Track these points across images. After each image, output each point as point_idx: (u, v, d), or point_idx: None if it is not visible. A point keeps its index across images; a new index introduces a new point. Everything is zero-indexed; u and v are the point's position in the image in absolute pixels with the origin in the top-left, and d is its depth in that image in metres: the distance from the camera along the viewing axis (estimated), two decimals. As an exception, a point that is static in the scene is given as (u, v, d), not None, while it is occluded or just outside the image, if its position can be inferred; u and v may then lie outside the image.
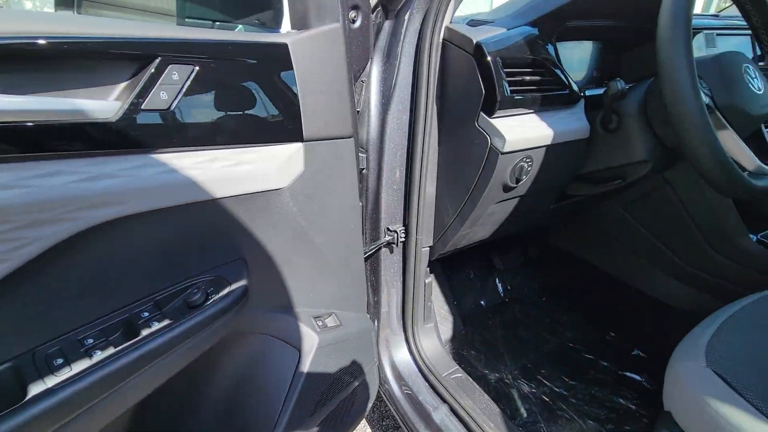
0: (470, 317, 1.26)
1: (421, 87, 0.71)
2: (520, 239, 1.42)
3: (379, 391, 0.96)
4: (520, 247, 1.40)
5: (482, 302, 1.32)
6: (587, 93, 0.80)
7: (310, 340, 0.59)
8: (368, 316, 0.80)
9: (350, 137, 0.58)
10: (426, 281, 0.93)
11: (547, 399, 0.99)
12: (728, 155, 0.57)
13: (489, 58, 0.64)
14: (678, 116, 0.57)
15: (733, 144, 0.62)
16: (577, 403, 0.97)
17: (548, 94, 0.70)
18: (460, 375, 0.91)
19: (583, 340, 1.17)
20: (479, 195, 0.71)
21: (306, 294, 0.61)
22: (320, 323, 0.62)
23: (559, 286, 1.37)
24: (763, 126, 0.67)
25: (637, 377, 1.04)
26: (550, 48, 0.74)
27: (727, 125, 0.62)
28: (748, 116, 0.61)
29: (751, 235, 0.92)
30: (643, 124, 0.73)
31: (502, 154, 0.65)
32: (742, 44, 1.10)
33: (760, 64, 0.75)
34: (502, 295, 1.35)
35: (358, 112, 0.79)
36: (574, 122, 0.74)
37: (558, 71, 0.73)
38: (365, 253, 0.79)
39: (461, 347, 1.15)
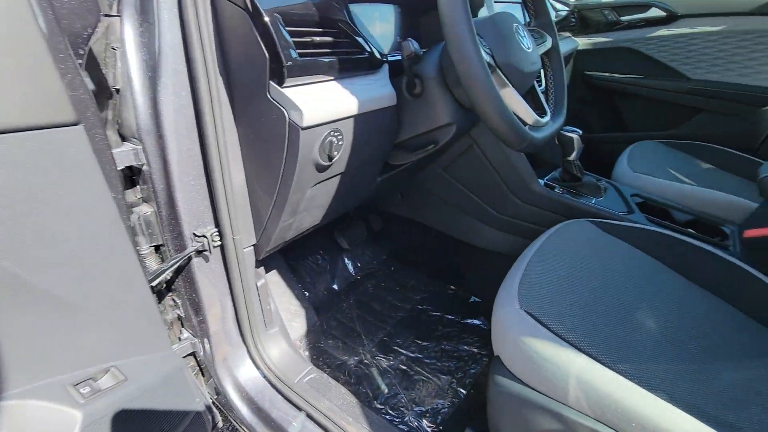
0: (324, 305, 1.20)
1: (195, 53, 0.56)
2: (361, 214, 1.41)
3: (229, 419, 0.82)
4: (362, 222, 1.39)
5: (335, 286, 1.27)
6: (390, 58, 0.77)
7: (67, 421, 0.42)
8: (178, 349, 0.64)
9: (74, 124, 0.41)
10: (258, 284, 0.81)
11: (404, 367, 1.00)
12: (511, 111, 0.60)
13: (266, 17, 0.53)
14: (465, 76, 0.57)
15: (514, 101, 0.66)
16: (431, 362, 1.02)
17: (345, 58, 0.63)
18: (314, 375, 0.84)
19: (429, 300, 1.24)
20: (291, 178, 0.62)
21: (52, 357, 0.43)
22: (86, 389, 0.44)
23: (404, 252, 1.41)
24: (535, 82, 0.75)
25: (477, 321, 1.15)
26: (345, 10, 0.67)
27: (508, 83, 0.66)
28: (522, 73, 0.66)
29: (540, 180, 1.07)
30: (442, 87, 0.74)
31: (304, 129, 0.56)
32: (514, 11, 1.25)
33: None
34: (353, 273, 1.33)
35: (117, 90, 0.59)
36: (379, 89, 0.70)
37: (354, 34, 0.67)
38: (161, 272, 0.62)
39: (317, 340, 1.08)
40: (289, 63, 0.54)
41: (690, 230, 0.96)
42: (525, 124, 0.67)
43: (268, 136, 0.60)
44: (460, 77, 0.58)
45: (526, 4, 0.80)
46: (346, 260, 1.33)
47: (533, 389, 0.60)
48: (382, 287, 1.29)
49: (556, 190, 1.05)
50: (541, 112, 0.72)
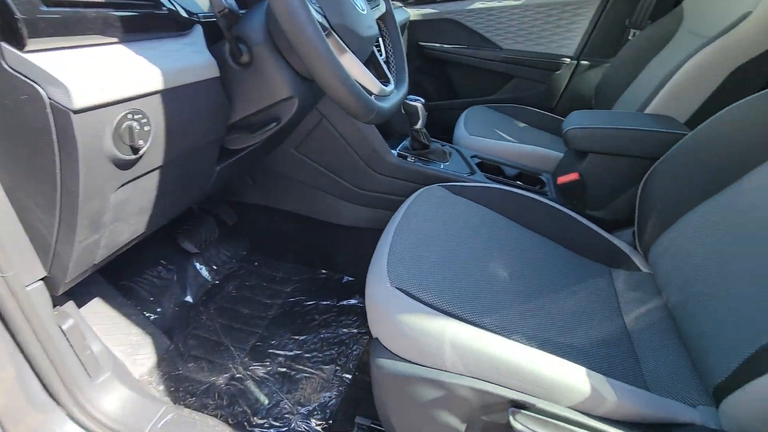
0: (178, 324, 1.01)
1: None
2: (208, 209, 1.22)
3: None
4: (211, 218, 1.21)
5: (188, 298, 1.08)
6: (205, 18, 0.63)
7: None
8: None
9: None
10: (64, 326, 0.61)
11: (284, 369, 0.92)
12: (355, 80, 0.54)
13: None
14: (296, 39, 0.49)
15: (357, 69, 0.61)
16: (311, 355, 0.96)
17: (133, 13, 0.48)
18: (172, 416, 0.69)
19: (302, 289, 1.16)
20: (74, 184, 0.45)
21: None
22: None
23: (266, 243, 1.29)
24: (375, 48, 0.71)
25: (353, 301, 1.13)
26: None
27: (347, 48, 0.60)
28: (360, 38, 0.62)
29: (393, 151, 1.08)
30: (274, 54, 0.64)
31: (77, 112, 0.40)
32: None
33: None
34: (209, 279, 1.15)
35: None
36: (192, 56, 0.56)
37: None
38: None
39: (173, 368, 0.90)
40: (28, 16, 0.36)
41: (518, 182, 1.10)
42: (370, 94, 0.63)
43: (20, 128, 0.41)
44: (291, 42, 0.50)
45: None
46: (198, 265, 1.14)
47: (414, 363, 0.59)
48: (246, 287, 1.15)
49: (408, 160, 1.07)
50: (384, 81, 0.69)
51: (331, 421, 0.80)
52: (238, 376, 0.90)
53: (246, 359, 0.94)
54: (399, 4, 1.66)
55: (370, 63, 0.71)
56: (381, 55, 0.91)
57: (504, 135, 1.30)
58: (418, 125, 1.06)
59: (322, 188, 1.12)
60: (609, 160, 0.91)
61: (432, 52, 1.74)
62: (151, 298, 1.01)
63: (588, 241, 0.86)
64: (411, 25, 1.70)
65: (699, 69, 0.94)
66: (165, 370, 0.89)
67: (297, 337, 1.00)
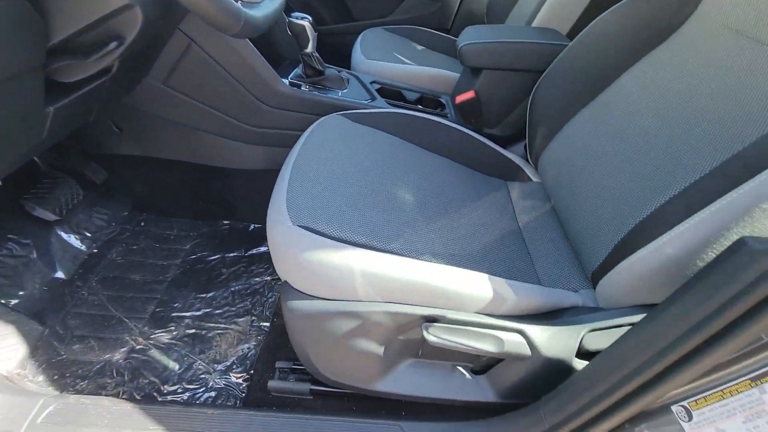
0: (50, 305, 0.85)
1: None
2: (66, 166, 1.00)
3: None
4: (69, 178, 1.00)
5: (59, 274, 0.91)
6: None
7: None
8: None
9: None
10: None
11: (193, 330, 0.85)
12: None
13: None
14: None
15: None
16: (223, 310, 0.90)
17: None
18: (53, 406, 0.59)
19: (203, 245, 1.06)
20: None
21: None
22: None
23: (151, 199, 1.12)
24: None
25: (263, 248, 1.07)
26: None
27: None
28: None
29: (284, 80, 0.96)
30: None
31: None
32: None
33: None
34: (83, 248, 0.98)
35: None
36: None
37: None
38: None
39: (53, 354, 0.78)
40: None
41: (419, 106, 1.08)
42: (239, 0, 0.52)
43: None
44: None
45: None
46: (64, 235, 0.96)
47: (326, 299, 0.57)
48: (134, 251, 1.01)
49: (302, 88, 0.97)
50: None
51: (252, 372, 0.78)
52: (139, 347, 0.80)
53: (146, 329, 0.84)
54: None
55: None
56: None
57: (402, 58, 1.25)
58: (309, 48, 0.95)
59: (206, 129, 0.98)
60: (501, 75, 0.92)
61: (318, -33, 1.55)
62: (7, 282, 0.83)
63: (486, 158, 0.89)
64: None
65: (576, -20, 0.96)
66: (42, 359, 0.76)
67: (204, 295, 0.92)
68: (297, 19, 0.92)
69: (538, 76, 0.86)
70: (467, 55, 0.91)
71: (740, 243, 0.32)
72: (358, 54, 1.23)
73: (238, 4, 0.51)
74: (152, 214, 1.12)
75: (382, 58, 1.20)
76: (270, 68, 0.90)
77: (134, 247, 1.02)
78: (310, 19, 0.93)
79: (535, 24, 1.03)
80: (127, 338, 0.82)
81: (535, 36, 0.91)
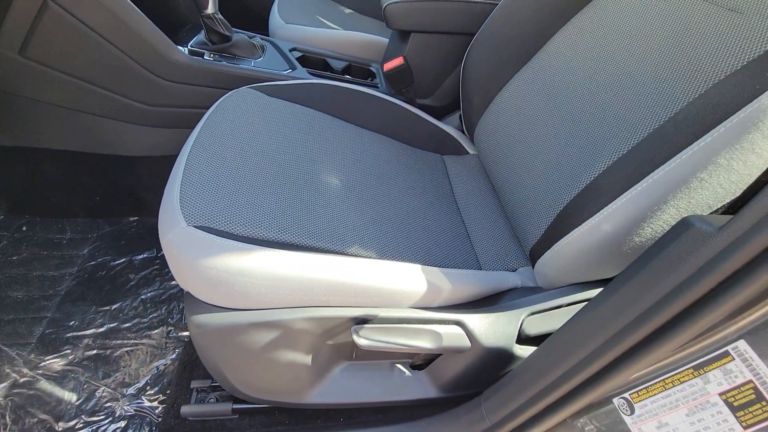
0: None
1: None
2: None
3: None
4: None
5: None
6: None
7: None
8: None
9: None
10: None
11: (94, 351, 0.72)
12: None
13: None
14: None
15: None
16: (132, 323, 0.77)
17: None
18: None
19: (104, 246, 0.90)
20: None
21: None
22: None
23: (35, 199, 0.94)
24: None
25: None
26: None
27: None
28: None
29: (181, 48, 0.81)
30: None
31: None
32: None
33: None
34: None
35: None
36: None
37: None
38: None
39: None
40: None
41: (346, 76, 0.98)
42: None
43: None
44: None
45: None
46: None
47: (238, 310, 0.49)
48: (14, 263, 0.84)
49: (206, 57, 0.83)
50: None
51: (169, 391, 0.68)
52: (23, 380, 0.67)
53: (32, 356, 0.70)
54: None
55: None
56: None
57: (327, 22, 1.12)
58: (209, 9, 0.81)
59: (92, 111, 0.81)
60: (431, 39, 0.85)
61: None
62: None
63: (420, 132, 0.82)
64: None
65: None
66: None
67: (107, 308, 0.79)
68: (191, -26, 0.77)
69: (470, 39, 0.79)
70: (393, 16, 0.82)
71: (685, 224, 0.28)
72: (276, 18, 1.08)
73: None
74: (37, 215, 0.93)
75: (304, 22, 1.07)
76: (160, 33, 0.75)
77: (14, 257, 0.84)
78: (208, -27, 0.78)
79: (465, -18, 0.95)
80: (8, 371, 0.68)
81: (464, -5, 0.84)
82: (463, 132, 0.86)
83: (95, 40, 0.72)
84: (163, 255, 0.91)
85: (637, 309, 0.30)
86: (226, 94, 0.71)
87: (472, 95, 0.78)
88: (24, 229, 0.90)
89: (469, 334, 0.50)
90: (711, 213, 0.39)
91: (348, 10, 1.31)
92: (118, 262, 0.87)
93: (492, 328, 0.51)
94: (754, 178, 0.36)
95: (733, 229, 0.25)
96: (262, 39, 0.96)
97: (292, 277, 0.46)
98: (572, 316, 0.38)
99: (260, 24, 1.16)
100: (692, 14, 0.49)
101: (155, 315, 0.79)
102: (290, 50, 0.96)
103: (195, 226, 0.47)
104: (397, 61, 0.84)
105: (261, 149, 0.59)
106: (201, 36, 0.88)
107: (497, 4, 0.76)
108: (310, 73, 0.91)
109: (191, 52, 0.83)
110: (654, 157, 0.39)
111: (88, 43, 0.72)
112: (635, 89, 0.50)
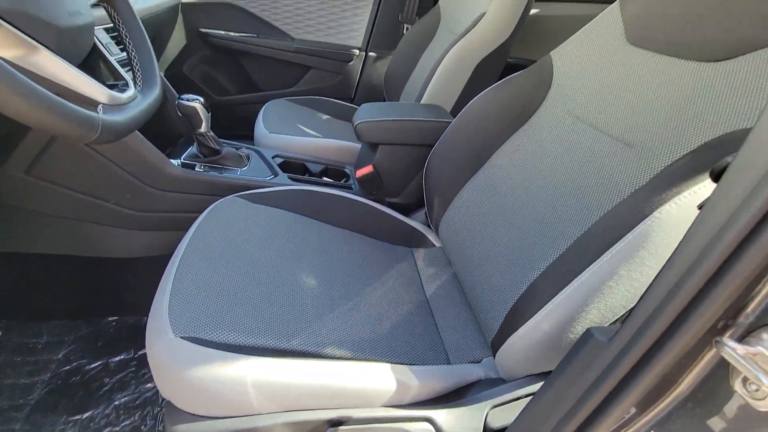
0: None
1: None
2: None
3: None
4: None
5: None
6: None
7: None
8: None
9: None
10: None
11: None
12: (54, 96, 0.40)
13: None
14: None
15: (61, 71, 0.46)
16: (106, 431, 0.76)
17: None
18: None
19: (81, 350, 0.91)
20: None
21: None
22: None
23: (15, 302, 0.95)
24: (103, 47, 0.55)
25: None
26: None
27: (38, 43, 0.44)
28: (59, 29, 0.46)
29: (175, 161, 0.91)
30: None
31: None
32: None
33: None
34: None
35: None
36: None
37: None
38: None
39: None
40: None
41: (324, 178, 1.10)
42: (95, 104, 0.49)
43: None
44: None
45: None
46: None
47: (219, 418, 0.51)
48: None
49: (197, 169, 0.93)
50: (121, 84, 0.55)
51: None
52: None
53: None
54: (164, -17, 1.41)
55: (96, 62, 0.54)
56: (112, 53, 0.73)
57: (306, 129, 1.27)
58: (202, 128, 0.93)
59: (86, 218, 0.88)
60: (396, 149, 0.98)
61: (218, 41, 1.56)
62: None
63: (390, 228, 0.91)
64: (185, 9, 1.47)
65: (454, 62, 1.09)
66: None
67: (78, 417, 0.77)
68: (188, 100, 0.90)
69: (428, 149, 0.93)
70: (363, 132, 0.96)
71: (588, 335, 0.35)
72: (260, 128, 1.22)
73: (98, 110, 0.48)
74: (15, 319, 0.94)
75: (286, 131, 1.21)
76: (157, 151, 0.85)
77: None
78: (202, 99, 0.91)
79: (424, 100, 1.13)
80: (-36, 496, 0.64)
81: (423, 113, 0.99)
82: (429, 226, 0.96)
83: (99, 161, 0.80)
84: (140, 356, 0.92)
85: (564, 406, 0.36)
86: (214, 204, 0.79)
87: (433, 198, 0.89)
88: (2, 336, 0.90)
89: (438, 430, 0.54)
90: (626, 312, 0.47)
91: (325, 116, 1.49)
92: (93, 365, 0.87)
93: (459, 423, 0.54)
94: (650, 285, 0.44)
95: (619, 340, 0.33)
96: (248, 148, 1.08)
97: (271, 384, 0.50)
98: (520, 411, 0.43)
99: (250, 127, 1.29)
100: (596, 145, 0.62)
101: (128, 422, 0.77)
102: (273, 157, 1.08)
103: (182, 337, 0.51)
104: (367, 169, 0.96)
105: (244, 256, 0.66)
106: (193, 149, 0.99)
107: (449, 122, 0.91)
108: (290, 178, 1.01)
109: (184, 165, 0.93)
110: (573, 267, 0.48)
111: (92, 162, 0.80)
112: (560, 203, 0.61)
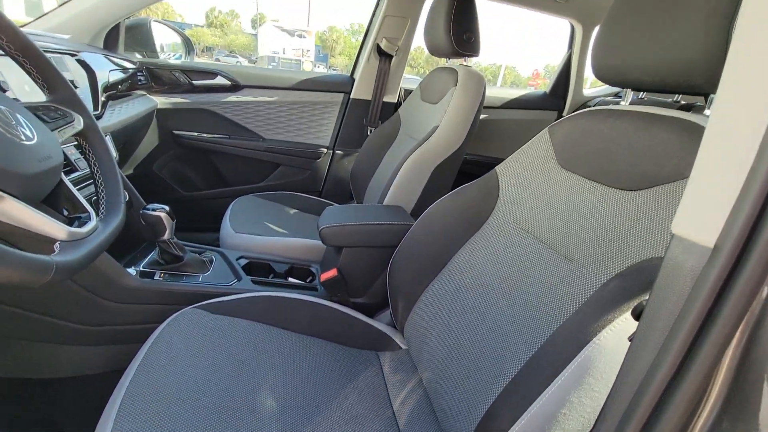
0: None
1: None
2: None
3: None
4: None
5: None
6: None
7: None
8: None
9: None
10: None
11: None
12: (3, 248, 0.40)
13: None
14: None
15: (22, 214, 0.46)
16: None
17: None
18: None
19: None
20: None
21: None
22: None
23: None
24: (66, 179, 0.57)
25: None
26: None
27: (5, 193, 0.45)
28: (23, 177, 0.47)
29: (132, 270, 0.90)
30: None
31: None
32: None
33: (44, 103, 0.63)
34: None
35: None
36: None
37: None
38: None
39: None
40: None
41: (289, 278, 1.09)
42: (53, 242, 0.49)
43: None
44: None
45: (31, 75, 0.60)
46: None
47: None
48: None
49: (156, 278, 0.91)
50: (81, 217, 0.56)
51: None
52: None
53: None
54: (142, 92, 1.50)
55: (59, 197, 0.56)
56: (77, 181, 0.75)
57: (273, 227, 1.29)
58: (165, 236, 0.93)
59: (24, 337, 0.82)
60: (360, 251, 1.01)
61: (191, 142, 1.63)
62: None
63: (355, 331, 0.90)
64: (160, 113, 1.56)
65: (413, 167, 1.18)
66: None
67: None
68: (153, 210, 0.91)
69: (392, 249, 0.96)
70: (327, 237, 0.99)
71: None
72: (227, 227, 1.24)
73: (56, 247, 0.48)
74: None
75: (252, 230, 1.23)
76: (114, 262, 0.84)
77: None
78: (167, 208, 0.92)
79: (387, 200, 1.19)
80: None
81: (385, 216, 1.05)
82: (395, 326, 0.95)
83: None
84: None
85: None
86: (171, 317, 0.77)
87: (397, 299, 0.91)
88: None
89: None
90: (587, 433, 0.47)
91: (293, 211, 1.53)
92: None
93: None
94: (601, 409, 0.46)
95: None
96: (212, 250, 1.08)
97: None
98: None
99: (216, 223, 1.30)
100: (541, 257, 0.67)
101: None
102: (237, 259, 1.08)
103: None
104: (332, 273, 0.97)
105: (199, 375, 0.63)
106: (155, 254, 0.98)
107: (410, 225, 0.96)
108: (253, 281, 1.00)
109: (142, 273, 0.91)
110: (528, 393, 0.49)
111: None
112: (517, 316, 0.63)
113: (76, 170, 0.82)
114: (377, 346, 0.91)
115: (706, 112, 0.58)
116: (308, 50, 16.14)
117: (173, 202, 1.70)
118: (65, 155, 0.80)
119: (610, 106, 0.71)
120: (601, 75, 0.70)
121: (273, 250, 1.18)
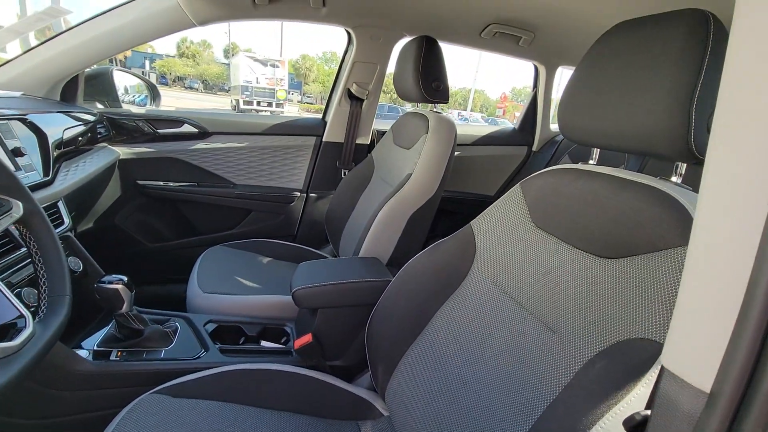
0: None
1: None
2: None
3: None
4: None
5: None
6: None
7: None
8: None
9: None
10: None
11: None
12: None
13: None
14: None
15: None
16: None
17: None
18: None
19: None
20: None
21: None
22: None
23: None
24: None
25: None
26: None
27: None
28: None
29: (84, 351, 0.82)
30: None
31: None
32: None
33: None
34: None
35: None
36: None
37: None
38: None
39: None
40: None
41: (262, 342, 1.03)
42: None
43: None
44: None
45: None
46: None
47: None
48: None
49: (112, 358, 0.83)
50: (19, 324, 0.49)
51: None
52: None
53: None
54: (104, 144, 1.43)
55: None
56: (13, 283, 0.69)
57: (245, 282, 1.23)
58: (123, 309, 0.86)
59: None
60: (336, 311, 0.96)
61: (156, 192, 1.56)
62: None
63: (334, 401, 0.85)
64: (122, 164, 1.49)
65: (388, 216, 1.16)
66: None
67: None
68: (110, 282, 0.84)
69: (370, 307, 0.92)
70: (301, 299, 0.94)
71: None
72: (194, 287, 1.16)
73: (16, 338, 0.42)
74: None
75: (222, 289, 1.16)
76: (62, 347, 0.76)
77: None
78: (125, 279, 0.85)
79: (363, 250, 1.16)
80: None
81: (361, 271, 1.01)
82: (375, 389, 0.90)
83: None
84: None
85: None
86: (129, 406, 0.70)
87: (377, 363, 0.86)
88: None
89: None
90: None
91: (266, 260, 1.47)
92: None
93: None
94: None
95: None
96: (176, 320, 1.01)
97: None
98: None
99: (186, 274, 1.23)
100: (522, 325, 0.64)
101: None
102: (205, 324, 1.01)
103: None
104: (306, 339, 0.92)
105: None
106: (111, 329, 0.90)
107: (388, 281, 0.92)
108: (222, 350, 0.94)
109: (96, 354, 0.83)
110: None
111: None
112: (501, 394, 0.60)
113: (20, 247, 0.75)
114: (358, 415, 0.85)
115: (673, 178, 0.59)
116: (282, 79, 16.27)
117: (139, 254, 1.62)
118: (7, 231, 0.74)
119: (580, 165, 0.71)
120: (568, 134, 0.70)
121: (244, 310, 1.11)
